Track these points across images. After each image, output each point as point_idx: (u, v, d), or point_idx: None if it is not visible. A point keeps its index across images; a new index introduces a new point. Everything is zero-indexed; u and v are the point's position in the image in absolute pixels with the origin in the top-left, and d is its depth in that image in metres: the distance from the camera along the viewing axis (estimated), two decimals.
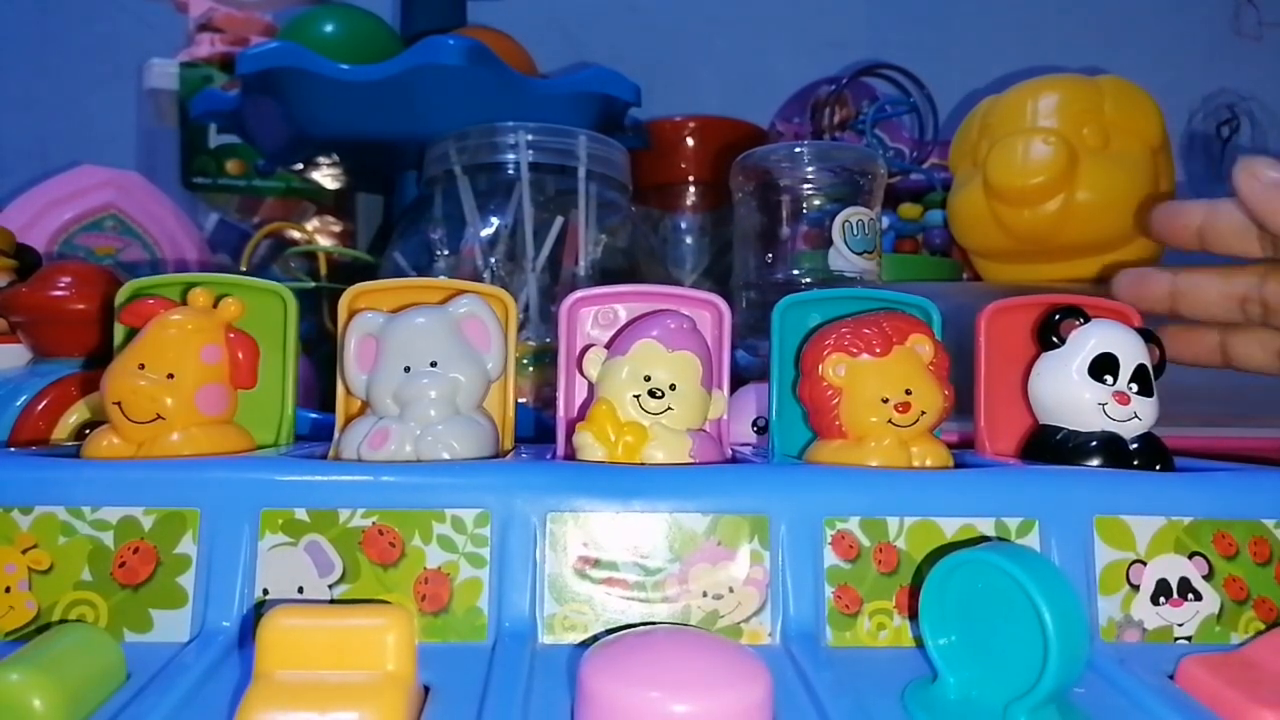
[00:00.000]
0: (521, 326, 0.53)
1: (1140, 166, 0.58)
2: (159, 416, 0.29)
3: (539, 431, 0.47)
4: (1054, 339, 0.32)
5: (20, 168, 0.81)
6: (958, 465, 0.31)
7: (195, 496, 0.27)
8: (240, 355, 0.31)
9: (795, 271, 0.48)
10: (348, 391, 0.32)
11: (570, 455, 0.31)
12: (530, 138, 0.56)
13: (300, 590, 0.26)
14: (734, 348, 0.53)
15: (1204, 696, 0.23)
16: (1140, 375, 0.31)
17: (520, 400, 0.51)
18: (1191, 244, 0.37)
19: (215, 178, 0.82)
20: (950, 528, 0.28)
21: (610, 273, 0.57)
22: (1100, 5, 1.00)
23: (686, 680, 0.20)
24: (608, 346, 0.32)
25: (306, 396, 0.53)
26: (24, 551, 0.26)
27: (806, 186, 0.48)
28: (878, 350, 0.30)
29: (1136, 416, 0.31)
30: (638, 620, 0.26)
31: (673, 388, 0.30)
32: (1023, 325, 0.34)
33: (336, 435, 0.32)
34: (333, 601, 0.26)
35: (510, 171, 0.56)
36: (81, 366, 0.43)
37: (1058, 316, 0.32)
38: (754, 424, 0.43)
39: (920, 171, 0.71)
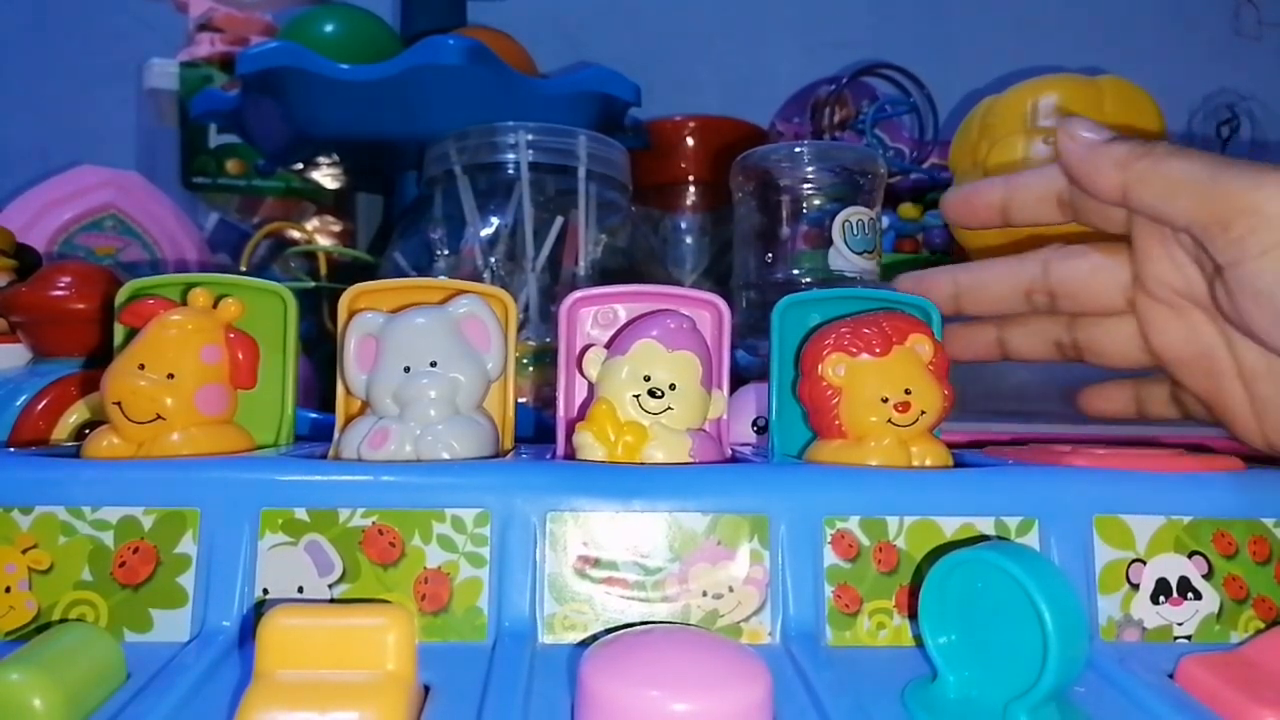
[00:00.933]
0: (521, 326, 0.53)
1: None
2: (159, 416, 0.29)
3: (539, 431, 0.47)
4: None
5: (20, 168, 0.81)
6: (958, 465, 0.31)
7: (195, 496, 0.27)
8: (240, 355, 0.31)
9: (795, 271, 0.48)
10: (348, 391, 0.32)
11: (570, 455, 0.31)
12: (530, 138, 0.56)
13: (300, 590, 0.26)
14: (734, 348, 0.53)
15: (1204, 695, 0.23)
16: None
17: (520, 400, 0.51)
18: (994, 221, 0.36)
19: (215, 178, 0.82)
20: (950, 527, 0.28)
21: (610, 273, 0.57)
22: (1100, 5, 1.00)
23: (686, 679, 0.20)
24: (607, 346, 0.32)
25: (306, 396, 0.53)
26: (24, 551, 0.26)
27: (806, 186, 0.48)
28: (877, 350, 0.30)
29: None
30: (638, 620, 0.26)
31: (672, 387, 0.30)
32: None
33: (336, 435, 0.32)
34: (333, 601, 0.26)
35: (510, 171, 0.56)
36: (81, 366, 0.43)
37: None
38: (754, 424, 0.43)
39: (920, 171, 0.71)
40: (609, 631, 0.26)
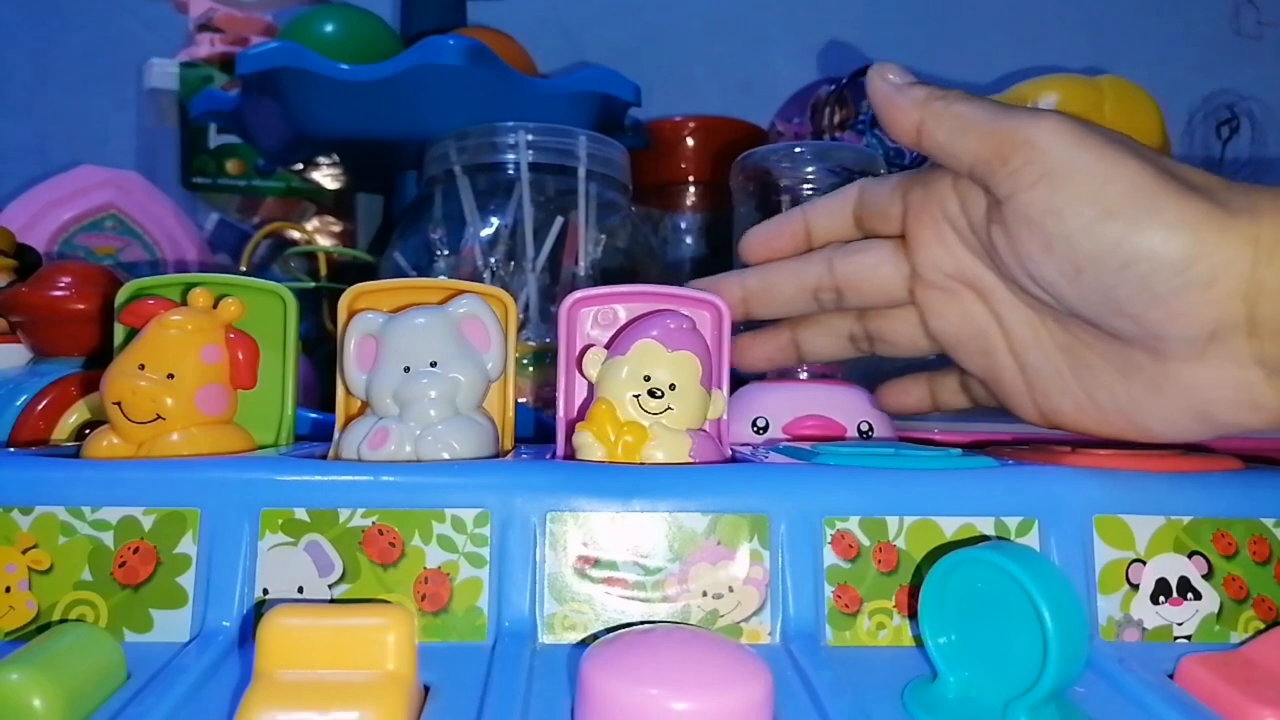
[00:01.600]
0: (521, 326, 0.53)
1: None
2: (159, 417, 0.29)
3: (539, 431, 0.47)
4: None
5: (20, 168, 0.81)
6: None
7: (195, 496, 0.27)
8: (240, 355, 0.31)
9: None
10: (348, 392, 0.32)
11: (570, 455, 0.31)
12: (530, 138, 0.56)
13: (300, 590, 0.26)
14: None
15: (1204, 695, 0.23)
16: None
17: (520, 400, 0.51)
18: (800, 247, 0.37)
19: (215, 178, 0.82)
20: (950, 527, 0.28)
21: (610, 273, 0.57)
22: (1100, 5, 1.00)
23: (687, 678, 0.20)
24: (607, 346, 0.32)
25: (306, 396, 0.53)
26: (24, 551, 0.26)
27: (806, 186, 0.48)
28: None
29: None
30: (638, 620, 0.26)
31: (672, 387, 0.30)
32: None
33: (336, 435, 0.32)
34: (333, 601, 0.26)
35: (510, 171, 0.56)
36: (81, 366, 0.43)
37: None
38: (754, 424, 0.43)
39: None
40: (609, 631, 0.26)
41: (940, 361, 0.37)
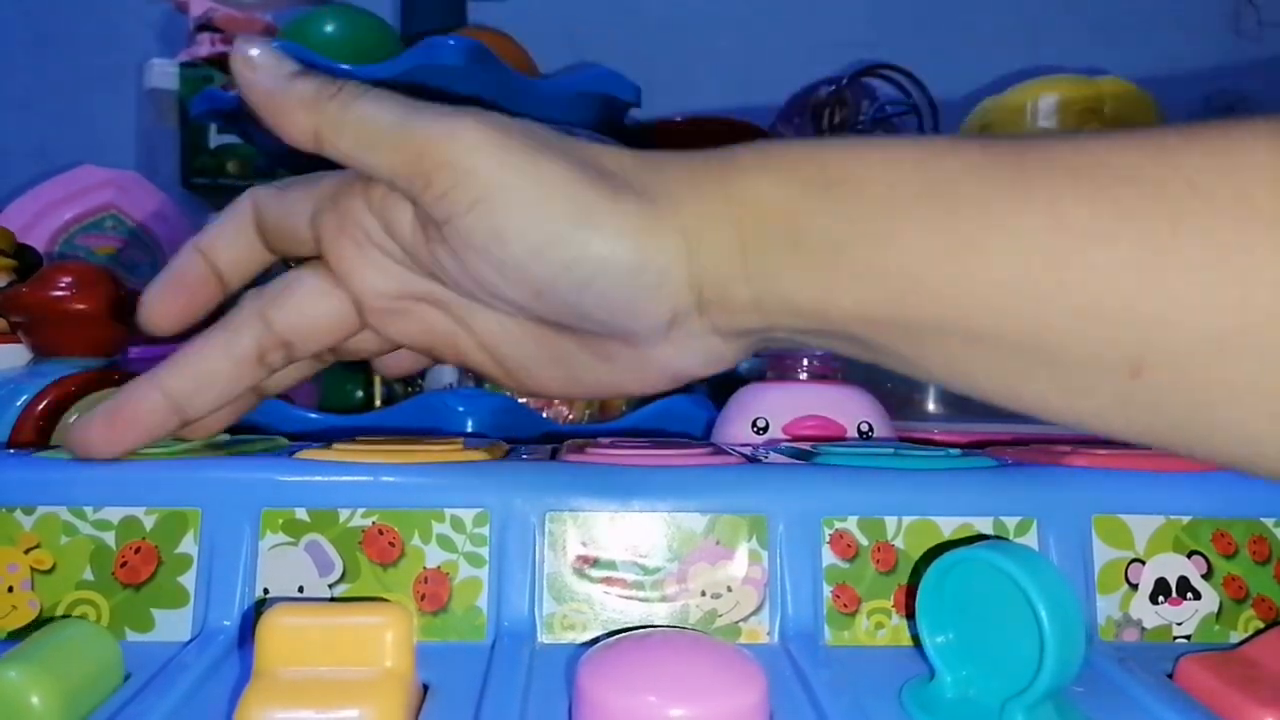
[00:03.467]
0: None
1: None
2: None
3: (539, 432, 0.47)
4: None
5: (20, 168, 0.81)
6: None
7: (196, 496, 0.27)
8: None
9: None
10: None
11: None
12: None
13: (300, 590, 0.26)
14: None
15: (1203, 695, 0.23)
16: None
17: (520, 400, 0.51)
18: (215, 296, 0.30)
19: (215, 178, 0.82)
20: (948, 527, 0.28)
21: None
22: (1100, 5, 1.00)
23: (682, 685, 0.20)
24: None
25: (306, 396, 0.53)
26: (26, 551, 0.26)
27: None
28: None
29: None
30: (637, 619, 0.26)
31: None
32: None
33: None
34: (333, 600, 0.26)
35: None
36: (81, 366, 0.43)
37: None
38: (754, 424, 0.43)
39: None
40: (608, 631, 0.26)
41: None
